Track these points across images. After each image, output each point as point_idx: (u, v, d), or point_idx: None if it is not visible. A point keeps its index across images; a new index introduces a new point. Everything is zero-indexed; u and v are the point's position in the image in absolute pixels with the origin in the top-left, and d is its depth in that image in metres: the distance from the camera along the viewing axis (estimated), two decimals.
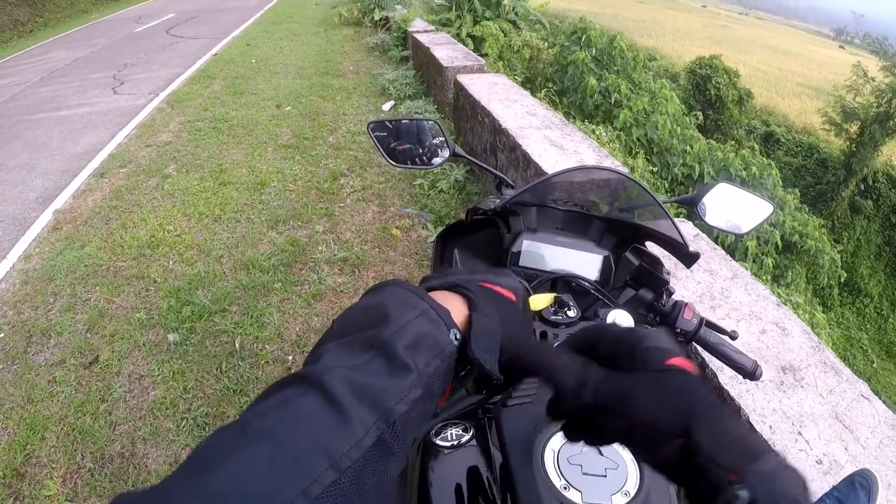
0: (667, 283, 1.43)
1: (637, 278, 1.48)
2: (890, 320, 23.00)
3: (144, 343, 4.21)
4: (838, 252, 14.87)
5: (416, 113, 8.16)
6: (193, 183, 6.71)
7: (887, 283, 24.23)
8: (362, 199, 6.19)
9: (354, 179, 6.64)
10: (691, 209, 1.75)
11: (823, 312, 13.43)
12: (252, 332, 4.24)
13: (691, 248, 1.45)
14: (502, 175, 1.84)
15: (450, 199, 6.06)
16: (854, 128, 25.25)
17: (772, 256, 10.78)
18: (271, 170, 6.96)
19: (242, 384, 3.77)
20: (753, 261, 10.12)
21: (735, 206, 1.71)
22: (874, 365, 20.30)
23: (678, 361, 0.68)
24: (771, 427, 2.16)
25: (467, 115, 6.67)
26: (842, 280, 15.95)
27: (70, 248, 5.52)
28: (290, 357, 4.01)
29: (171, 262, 5.20)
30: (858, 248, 24.52)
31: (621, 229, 1.59)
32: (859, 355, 20.46)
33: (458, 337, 0.74)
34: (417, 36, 10.06)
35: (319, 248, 5.28)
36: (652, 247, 1.61)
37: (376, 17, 15.05)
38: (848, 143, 25.33)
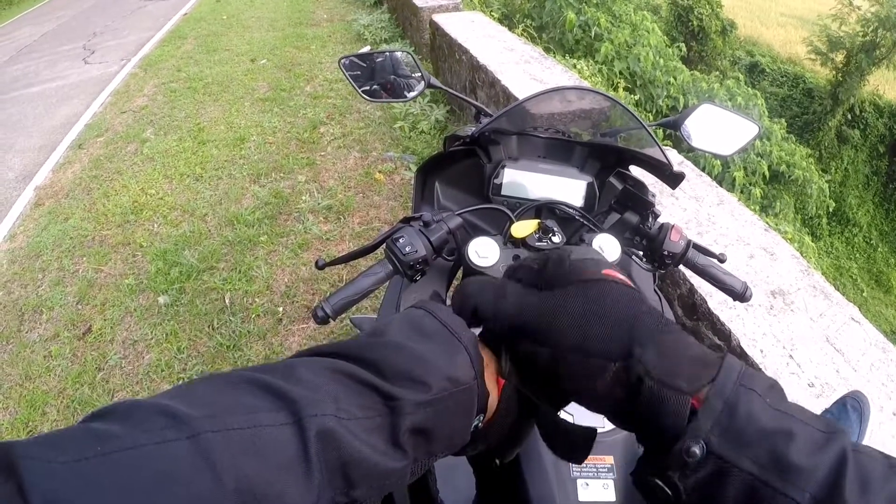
0: (652, 205, 1.40)
1: (622, 202, 1.43)
2: (879, 249, 23.36)
3: (136, 308, 4.20)
4: (826, 182, 14.91)
5: None
6: (172, 144, 6.65)
7: (875, 213, 24.50)
8: (343, 146, 6.14)
9: (334, 127, 6.58)
10: (675, 132, 1.72)
11: (812, 242, 13.53)
12: (241, 286, 4.22)
13: (676, 169, 1.42)
14: (480, 105, 1.80)
15: (431, 140, 6.02)
16: (840, 57, 25.17)
17: (759, 186, 10.82)
18: (250, 124, 6.90)
19: (235, 339, 3.76)
20: (741, 191, 10.13)
21: (719, 127, 1.68)
22: (864, 294, 20.70)
23: (612, 273, 0.62)
24: (762, 351, 2.18)
25: (444, 54, 6.60)
26: (830, 210, 16.13)
27: (54, 223, 5.48)
28: (281, 308, 4.00)
29: (155, 226, 5.17)
30: (846, 177, 24.63)
31: (604, 154, 1.56)
32: (849, 284, 20.85)
33: (479, 425, 0.65)
34: None
35: (303, 197, 5.25)
36: (636, 171, 1.59)
37: None
38: (834, 72, 25.27)
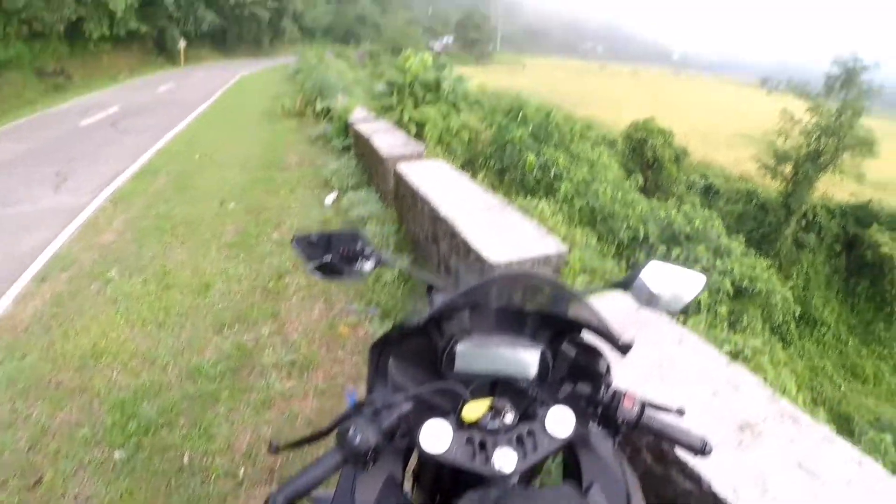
0: (602, 374, 1.46)
1: (573, 372, 1.49)
2: (850, 343, 23.97)
3: (90, 461, 4.11)
4: (789, 288, 15.36)
5: (358, 204, 8.26)
6: (136, 287, 6.65)
7: (841, 309, 25.26)
8: (308, 297, 6.19)
9: (299, 277, 6.64)
10: (626, 292, 1.76)
11: (783, 349, 13.70)
12: (201, 444, 4.17)
13: (623, 339, 1.46)
14: (430, 278, 1.85)
15: (395, 291, 6.08)
16: (788, 168, 26.84)
17: (725, 304, 10.98)
18: (215, 270, 6.95)
19: (193, 502, 3.71)
20: (708, 311, 10.24)
21: (668, 283, 1.72)
22: (842, 389, 21.00)
23: None
24: (734, 489, 2.16)
25: (408, 203, 6.78)
26: (796, 314, 16.47)
27: (10, 359, 5.36)
28: (241, 470, 3.94)
29: (114, 373, 5.09)
30: (808, 281, 25.54)
31: (556, 322, 1.58)
32: (826, 382, 21.12)
33: None
34: (358, 125, 10.24)
35: (266, 351, 5.23)
36: (590, 335, 1.58)
37: (318, 108, 15.37)
38: (784, 183, 26.82)
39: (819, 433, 2.43)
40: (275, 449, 1.29)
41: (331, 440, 1.27)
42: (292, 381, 4.87)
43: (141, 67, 42.84)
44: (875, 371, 22.95)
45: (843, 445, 2.36)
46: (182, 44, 48.01)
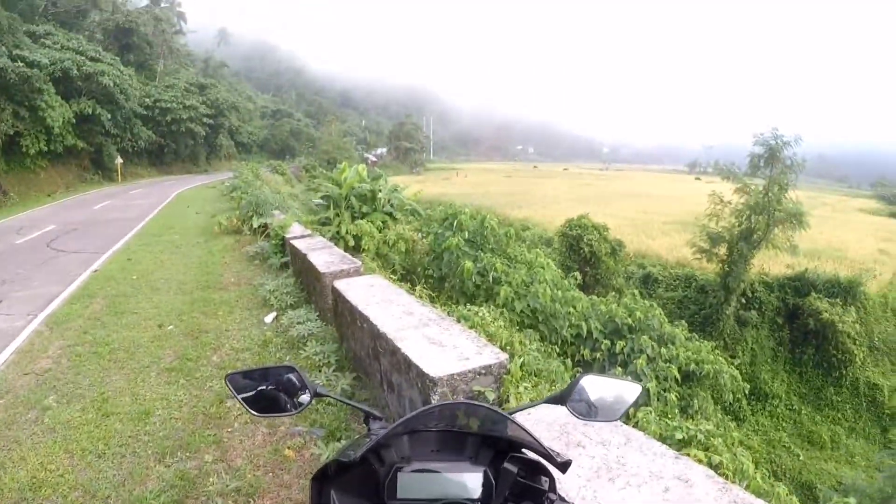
0: (545, 492, 1.47)
1: (515, 492, 1.48)
2: (803, 412, 24.36)
3: None
4: (736, 366, 15.40)
5: (297, 323, 8.32)
6: (75, 415, 6.54)
7: (790, 380, 25.80)
8: (251, 421, 6.14)
9: None
10: (563, 406, 1.82)
11: (737, 427, 13.80)
12: None
13: (561, 457, 1.48)
14: (367, 409, 1.87)
15: (338, 412, 6.08)
16: (723, 250, 27.72)
17: (674, 390, 11.03)
18: (155, 396, 6.88)
19: None
20: (658, 399, 10.29)
21: (604, 394, 1.79)
22: (800, 458, 21.26)
23: None
24: None
25: (347, 320, 6.83)
26: (746, 391, 16.37)
27: None
28: None
29: None
30: (754, 356, 26.18)
31: (496, 443, 1.59)
32: (784, 454, 21.40)
33: None
34: (294, 242, 10.38)
35: (211, 479, 5.16)
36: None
37: (255, 225, 15.51)
38: (720, 264, 27.55)
39: None
40: None
41: None
42: None
43: (78, 184, 42.72)
44: (831, 436, 23.40)
45: None
46: (119, 161, 48.03)
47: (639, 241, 34.19)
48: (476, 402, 1.69)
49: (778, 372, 26.17)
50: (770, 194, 27.12)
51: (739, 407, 20.24)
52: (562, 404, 1.82)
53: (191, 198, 32.94)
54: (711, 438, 6.51)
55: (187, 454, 5.65)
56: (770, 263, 29.33)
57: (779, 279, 28.84)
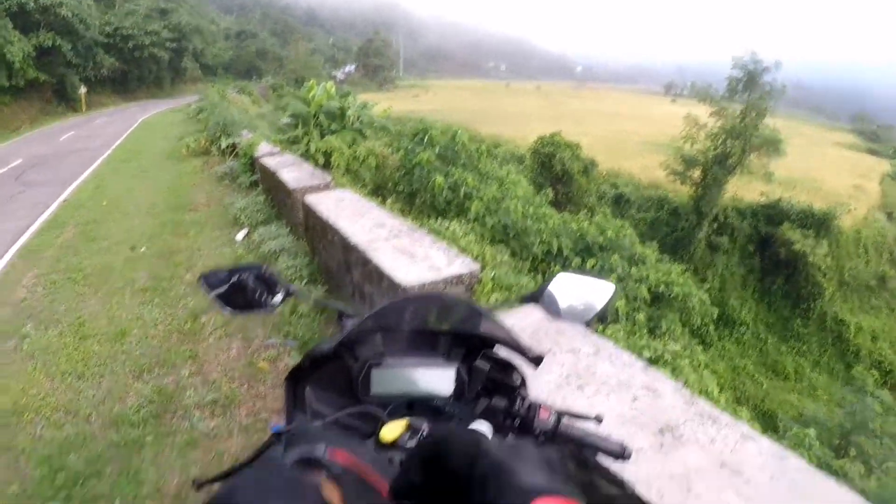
0: (517, 387, 1.47)
1: (488, 387, 1.49)
2: (769, 341, 24.59)
3: None
4: (706, 290, 15.60)
5: (269, 239, 8.32)
6: (53, 340, 6.59)
7: (758, 308, 25.94)
8: (225, 336, 6.22)
9: (215, 316, 6.64)
10: (537, 305, 1.78)
11: (704, 351, 13.97)
12: (130, 490, 4.18)
13: (534, 351, 1.48)
14: (340, 307, 1.87)
15: (311, 322, 6.14)
16: (697, 173, 27.28)
17: (643, 311, 11.17)
18: (131, 316, 6.93)
19: None
20: (627, 319, 10.44)
21: (578, 293, 1.75)
22: (764, 387, 21.59)
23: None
24: (659, 492, 2.16)
25: (318, 234, 6.84)
26: (714, 316, 16.48)
27: None
28: None
29: (38, 429, 5.04)
30: (724, 282, 26.17)
31: (469, 340, 1.59)
32: (748, 381, 21.73)
33: None
34: (264, 160, 10.27)
35: (187, 392, 5.25)
36: (504, 349, 1.58)
37: (223, 145, 15.31)
38: (694, 188, 27.22)
39: (739, 431, 2.48)
40: (198, 485, 1.26)
41: None
42: (216, 420, 4.91)
43: (42, 117, 41.72)
44: (796, 367, 23.71)
45: (764, 442, 2.42)
46: (83, 90, 46.97)
47: (612, 160, 33.41)
48: (451, 296, 1.73)
49: (746, 299, 26.40)
50: (747, 119, 26.93)
51: (707, 331, 19.84)
52: (535, 303, 1.78)
53: (157, 123, 32.37)
54: (678, 359, 6.61)
55: (164, 370, 5.73)
56: (744, 190, 29.10)
57: (752, 206, 28.71)
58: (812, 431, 8.52)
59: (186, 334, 6.40)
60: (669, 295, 13.11)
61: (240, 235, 9.19)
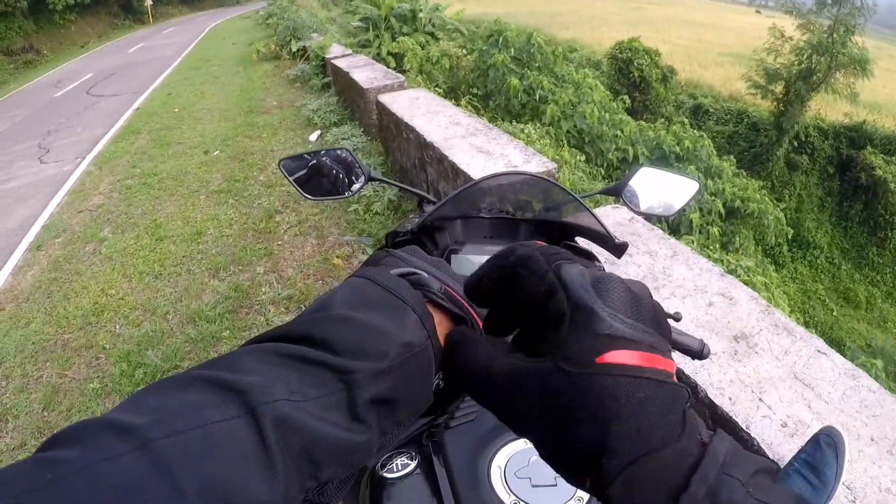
0: None
1: None
2: (843, 267, 23.45)
3: (102, 413, 4.14)
4: (782, 210, 15.07)
5: (342, 139, 8.18)
6: (130, 243, 6.67)
7: (834, 233, 24.67)
8: (300, 234, 6.21)
9: (290, 215, 6.66)
10: (617, 198, 1.74)
11: (776, 271, 13.61)
12: None
13: (618, 240, 1.43)
14: (422, 193, 1.82)
15: (385, 221, 6.08)
16: (779, 88, 25.67)
17: (717, 225, 10.87)
18: (206, 217, 6.95)
19: None
20: (700, 232, 10.19)
21: (660, 188, 1.71)
22: (834, 313, 20.67)
23: (616, 357, 0.48)
24: (731, 398, 2.15)
25: (392, 133, 6.70)
26: (789, 236, 16.03)
27: (15, 328, 5.42)
28: None
29: (117, 327, 5.15)
30: (801, 203, 24.88)
31: (550, 229, 1.57)
32: (818, 306, 20.83)
33: (440, 384, 0.63)
34: (336, 62, 10.07)
35: (263, 289, 5.27)
36: (584, 241, 1.56)
37: (294, 49, 15.09)
38: (775, 103, 25.71)
39: (814, 346, 2.41)
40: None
41: None
42: (290, 315, 4.84)
43: (109, 32, 42.02)
44: (868, 297, 22.73)
45: (837, 359, 2.34)
46: (149, 2, 46.98)
47: (691, 70, 32.16)
48: (537, 174, 1.60)
49: (822, 223, 25.15)
50: (835, 35, 24.81)
51: (780, 252, 19.80)
52: (617, 195, 1.74)
53: (226, 30, 32.29)
54: (752, 275, 6.35)
55: (239, 268, 5.75)
56: (827, 109, 27.28)
57: (834, 126, 26.80)
58: (879, 363, 8.14)
59: (261, 233, 6.38)
60: (745, 211, 12.73)
61: (313, 136, 9.06)
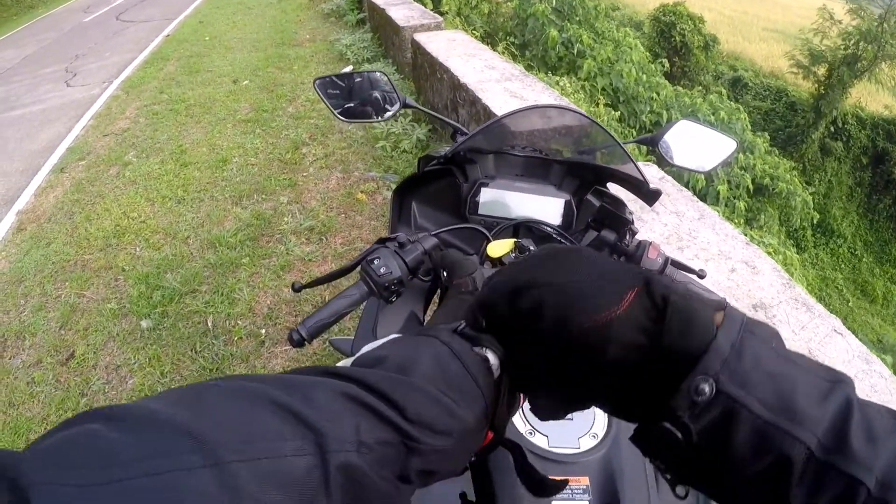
0: (629, 222, 1.39)
1: (598, 219, 1.40)
2: (864, 260, 23.39)
3: (118, 333, 4.17)
4: (810, 194, 14.93)
5: None
6: (154, 167, 6.62)
7: (859, 224, 24.57)
8: (325, 167, 6.14)
9: (316, 147, 6.58)
10: (654, 149, 1.71)
11: (797, 254, 13.50)
12: (223, 309, 4.20)
13: (652, 186, 1.42)
14: (456, 124, 1.79)
15: (412, 159, 5.98)
16: (822, 70, 25.32)
17: (744, 200, 10.79)
18: (232, 145, 6.88)
19: (218, 362, 3.74)
20: (726, 205, 10.15)
21: (698, 144, 1.67)
22: (850, 304, 20.69)
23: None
24: None
25: (426, 73, 6.60)
26: (814, 221, 16.12)
27: (36, 248, 5.42)
28: (263, 331, 3.97)
29: (137, 249, 5.13)
30: (830, 189, 24.71)
31: (582, 172, 1.55)
32: (835, 295, 20.84)
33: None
34: None
35: (285, 219, 5.23)
36: (614, 188, 1.56)
37: None
38: (816, 85, 25.38)
39: (831, 325, 2.39)
40: (298, 288, 1.23)
41: (354, 278, 1.22)
42: (311, 246, 4.88)
43: None
44: (885, 292, 22.60)
45: (853, 341, 2.34)
46: None
47: (734, 41, 31.68)
48: (577, 110, 1.59)
49: (849, 212, 24.88)
50: (886, 24, 24.42)
51: (803, 235, 19.72)
52: (653, 146, 1.71)
53: None
54: (774, 254, 6.22)
55: (263, 197, 5.70)
56: (868, 99, 26.85)
57: (873, 117, 26.34)
58: (889, 358, 8.06)
59: (287, 164, 6.31)
60: (773, 189, 12.74)
61: (345, 71, 8.90)
